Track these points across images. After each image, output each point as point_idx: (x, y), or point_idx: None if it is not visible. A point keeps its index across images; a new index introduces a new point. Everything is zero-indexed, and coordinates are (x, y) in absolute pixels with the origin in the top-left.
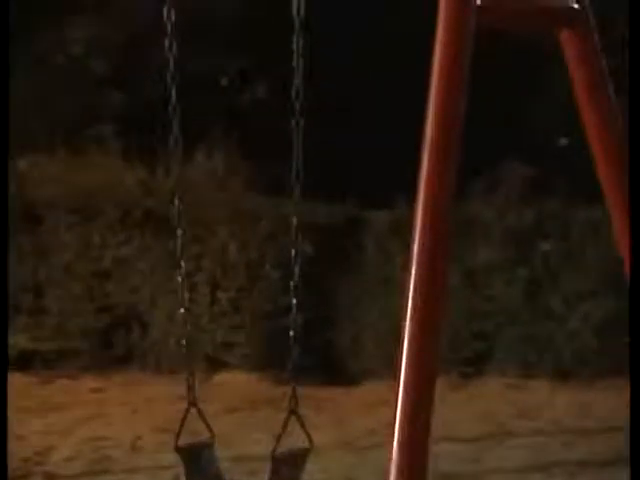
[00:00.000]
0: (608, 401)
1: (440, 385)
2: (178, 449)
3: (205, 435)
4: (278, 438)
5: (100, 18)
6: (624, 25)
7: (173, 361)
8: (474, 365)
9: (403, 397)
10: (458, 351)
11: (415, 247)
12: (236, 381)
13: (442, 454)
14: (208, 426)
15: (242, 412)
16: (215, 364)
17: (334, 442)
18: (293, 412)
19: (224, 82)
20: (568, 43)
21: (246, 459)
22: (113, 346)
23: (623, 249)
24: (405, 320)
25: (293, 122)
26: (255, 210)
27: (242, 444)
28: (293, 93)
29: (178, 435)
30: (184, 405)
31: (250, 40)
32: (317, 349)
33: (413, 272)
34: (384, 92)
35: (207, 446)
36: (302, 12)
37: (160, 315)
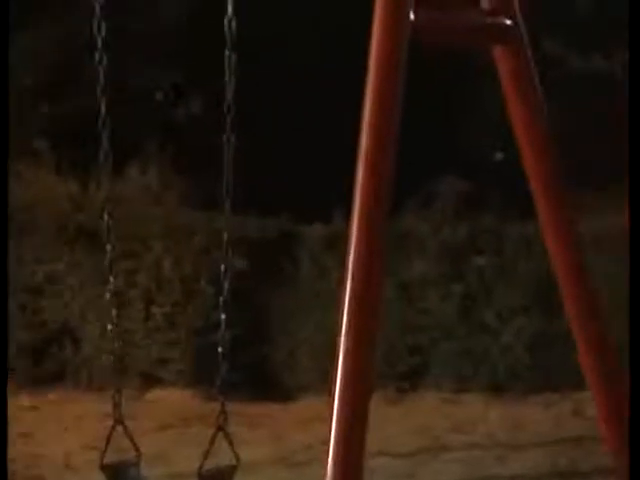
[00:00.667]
0: (540, 415)
1: (376, 400)
2: (103, 467)
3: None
4: (205, 455)
5: (34, 32)
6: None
7: (105, 378)
8: (409, 379)
9: (338, 412)
10: (394, 365)
11: (350, 261)
12: (170, 398)
13: (378, 469)
14: (134, 444)
15: (175, 429)
16: (149, 380)
17: (270, 458)
18: (221, 429)
19: (159, 96)
20: (502, 58)
21: (178, 477)
22: (47, 363)
23: (548, 242)
24: (340, 335)
25: (224, 137)
26: (189, 225)
27: (175, 461)
28: (225, 108)
29: (103, 453)
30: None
31: (185, 54)
32: (252, 364)
33: (348, 287)
34: (320, 107)
35: (133, 464)
36: (234, 28)
37: (92, 331)
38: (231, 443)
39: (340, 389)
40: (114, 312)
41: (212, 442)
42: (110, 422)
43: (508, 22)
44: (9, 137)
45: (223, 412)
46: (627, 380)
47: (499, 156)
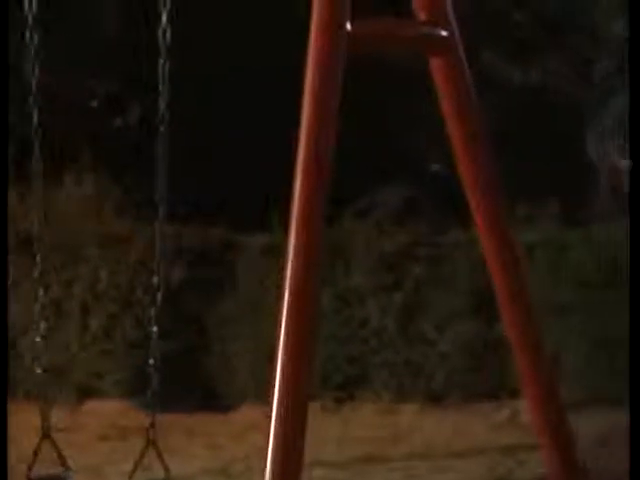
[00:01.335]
0: (478, 424)
1: (314, 410)
2: None
3: (74, 466)
4: (134, 469)
5: None
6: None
7: (41, 390)
8: (347, 389)
9: (276, 423)
10: (332, 376)
11: (288, 271)
12: (107, 409)
13: (315, 479)
14: (62, 458)
15: (112, 441)
16: (85, 392)
17: (208, 468)
18: (151, 442)
19: (94, 105)
20: (438, 69)
21: None
22: None
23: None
24: (278, 345)
25: (158, 147)
26: (126, 235)
27: (109, 474)
28: (159, 117)
29: (30, 467)
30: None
31: (122, 64)
32: (189, 374)
33: (286, 297)
34: (260, 118)
35: (62, 479)
36: (168, 37)
37: (29, 343)
38: (160, 455)
39: (278, 399)
40: (43, 324)
41: (142, 455)
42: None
43: (444, 33)
44: (8, 137)
45: (153, 425)
46: (558, 385)
47: (436, 166)
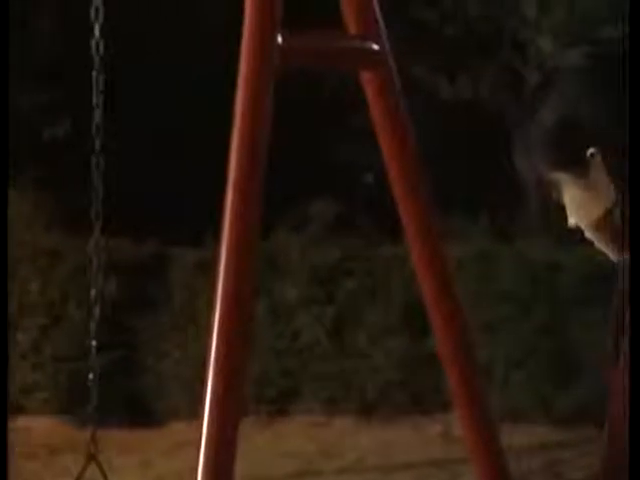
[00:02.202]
0: (409, 437)
1: (246, 424)
2: None
3: None
4: None
5: None
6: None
7: None
8: (280, 403)
9: (207, 437)
10: (265, 389)
11: (220, 285)
12: (37, 426)
13: None
14: None
15: (43, 458)
16: (15, 408)
17: None
18: (92, 457)
19: (30, 117)
20: (369, 82)
21: None
22: None
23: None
24: (209, 359)
25: (93, 160)
26: (58, 248)
27: None
28: (93, 130)
29: None
30: None
31: (58, 75)
32: (122, 389)
33: (217, 310)
34: (192, 131)
35: None
36: (101, 50)
37: None
38: (102, 471)
39: (209, 413)
40: None
41: (83, 471)
42: None
43: (374, 47)
44: (8, 139)
45: (93, 440)
46: (489, 400)
47: (369, 178)
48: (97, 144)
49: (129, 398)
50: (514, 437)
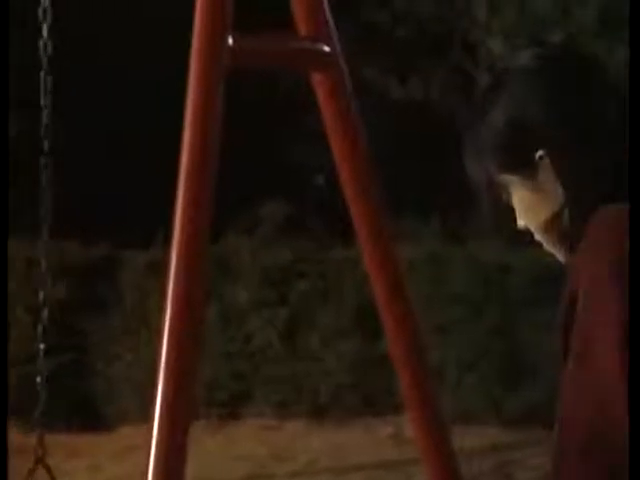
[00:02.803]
0: (361, 440)
1: (197, 427)
2: None
3: None
4: None
5: None
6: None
7: None
8: (231, 407)
9: (157, 441)
10: (216, 393)
11: (170, 288)
12: None
13: None
14: None
15: None
16: None
17: None
18: (40, 461)
19: None
20: (320, 84)
21: None
22: None
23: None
24: (160, 362)
25: (42, 161)
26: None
27: None
28: (42, 132)
29: None
30: None
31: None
32: (71, 393)
33: (168, 314)
34: (141, 133)
35: None
36: (49, 50)
37: None
38: (52, 475)
39: (159, 417)
40: None
41: (30, 475)
42: None
43: (325, 48)
44: (8, 139)
45: (41, 445)
46: (441, 402)
47: (320, 180)
48: (45, 145)
49: (78, 402)
50: (465, 439)
